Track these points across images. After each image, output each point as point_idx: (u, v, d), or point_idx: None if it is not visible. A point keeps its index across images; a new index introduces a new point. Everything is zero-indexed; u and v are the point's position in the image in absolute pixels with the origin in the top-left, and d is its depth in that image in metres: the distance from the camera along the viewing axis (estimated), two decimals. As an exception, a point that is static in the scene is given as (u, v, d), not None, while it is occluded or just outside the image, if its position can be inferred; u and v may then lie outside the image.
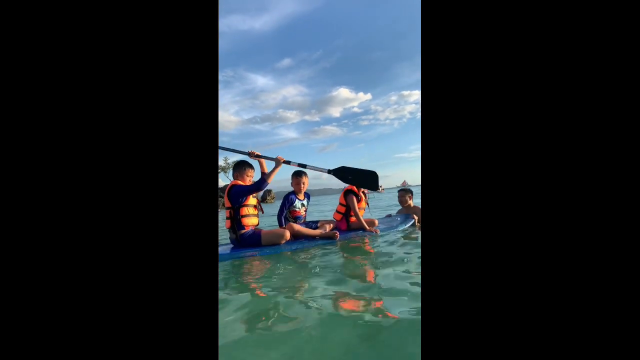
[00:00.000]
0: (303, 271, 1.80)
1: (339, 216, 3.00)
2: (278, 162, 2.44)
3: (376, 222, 3.01)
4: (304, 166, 2.62)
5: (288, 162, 2.53)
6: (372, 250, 2.34)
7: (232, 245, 2.47)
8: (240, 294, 1.40)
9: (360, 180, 2.49)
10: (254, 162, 2.61)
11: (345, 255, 2.22)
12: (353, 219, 2.99)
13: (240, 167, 2.56)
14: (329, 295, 1.27)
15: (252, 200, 2.48)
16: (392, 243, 2.51)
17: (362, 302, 1.16)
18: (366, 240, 2.73)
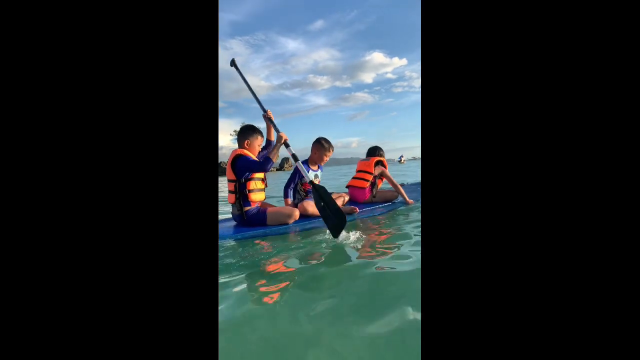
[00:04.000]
0: (308, 258, 1.55)
1: (365, 183, 2.73)
2: (280, 138, 2.08)
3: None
4: (295, 158, 2.22)
5: (287, 145, 2.15)
6: (392, 231, 1.99)
7: (234, 223, 2.17)
8: (240, 280, 1.29)
9: (327, 215, 1.92)
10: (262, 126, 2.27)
11: (363, 237, 1.89)
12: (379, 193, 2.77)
13: (247, 133, 2.16)
14: (331, 290, 1.15)
15: (259, 173, 2.13)
16: (415, 222, 2.15)
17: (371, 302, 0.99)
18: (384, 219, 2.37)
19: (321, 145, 2.48)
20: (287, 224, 2.10)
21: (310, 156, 2.54)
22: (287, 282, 1.22)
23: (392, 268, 1.27)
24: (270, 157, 2.04)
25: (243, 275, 1.31)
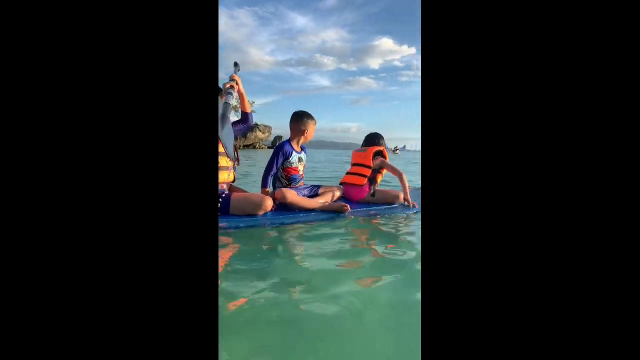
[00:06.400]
0: (284, 262, 1.17)
1: (363, 180, 2.21)
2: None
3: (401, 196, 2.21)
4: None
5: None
6: (388, 235, 1.55)
7: None
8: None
9: None
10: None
11: (355, 240, 1.47)
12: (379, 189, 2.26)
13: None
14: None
15: (222, 146, 1.60)
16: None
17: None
18: (385, 219, 1.94)
19: (299, 118, 1.97)
20: (255, 215, 1.60)
21: (290, 135, 2.04)
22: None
23: (380, 279, 1.07)
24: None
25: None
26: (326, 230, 1.61)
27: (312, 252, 1.31)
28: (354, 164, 2.30)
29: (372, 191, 2.18)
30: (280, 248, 1.34)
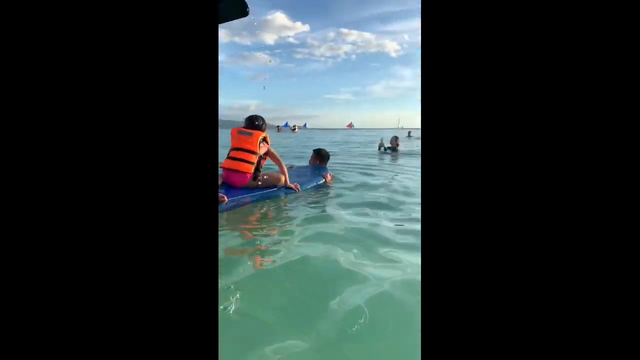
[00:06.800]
0: None
1: (250, 167, 2.06)
2: None
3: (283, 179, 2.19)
4: None
5: None
6: (278, 225, 1.54)
7: None
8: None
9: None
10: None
11: (234, 230, 1.41)
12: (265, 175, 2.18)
13: None
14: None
15: None
16: (309, 207, 1.74)
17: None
18: (270, 205, 1.90)
19: None
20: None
21: None
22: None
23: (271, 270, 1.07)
24: None
25: None
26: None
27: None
28: (236, 148, 2.12)
29: (258, 178, 2.09)
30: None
